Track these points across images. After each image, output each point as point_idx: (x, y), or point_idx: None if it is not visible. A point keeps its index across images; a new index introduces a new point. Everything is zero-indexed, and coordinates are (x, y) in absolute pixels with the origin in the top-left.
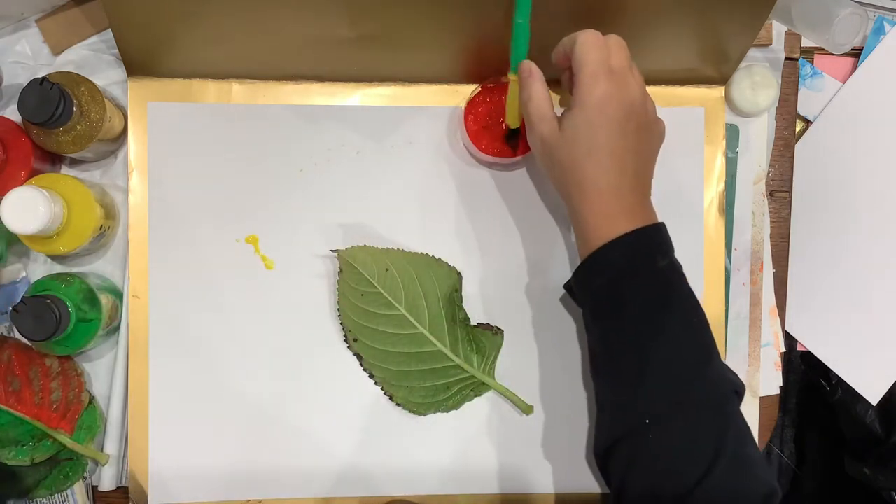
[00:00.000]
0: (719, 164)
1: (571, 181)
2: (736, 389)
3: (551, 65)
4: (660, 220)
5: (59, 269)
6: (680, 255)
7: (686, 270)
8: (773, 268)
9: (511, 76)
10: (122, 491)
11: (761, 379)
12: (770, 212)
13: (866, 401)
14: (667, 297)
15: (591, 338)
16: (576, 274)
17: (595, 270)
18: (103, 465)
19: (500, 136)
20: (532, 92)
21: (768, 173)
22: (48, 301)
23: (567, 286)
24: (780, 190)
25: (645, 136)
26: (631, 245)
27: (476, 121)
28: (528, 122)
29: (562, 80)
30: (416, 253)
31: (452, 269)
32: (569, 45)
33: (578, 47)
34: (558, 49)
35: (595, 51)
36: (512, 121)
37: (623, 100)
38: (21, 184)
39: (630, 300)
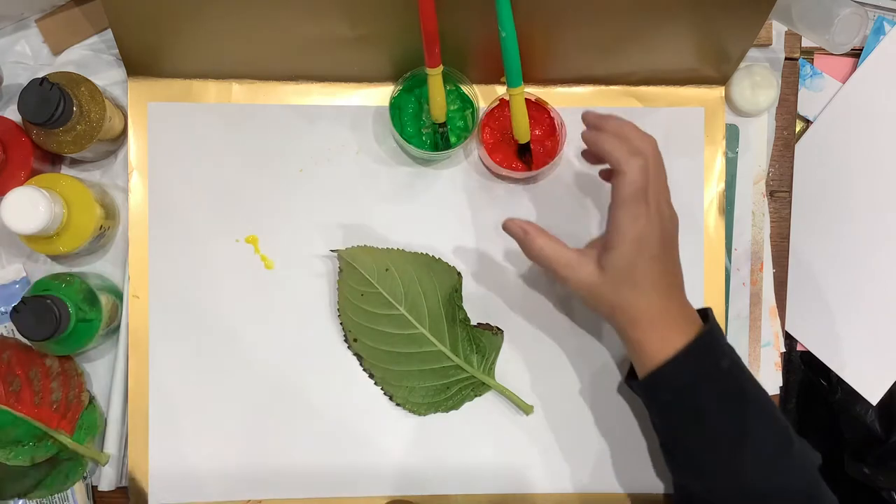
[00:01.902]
0: (719, 164)
1: (621, 316)
2: (819, 464)
3: (554, 65)
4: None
5: (59, 269)
6: (680, 254)
7: (686, 270)
8: (773, 268)
9: (512, 91)
10: (122, 491)
11: (761, 379)
12: (770, 212)
13: (866, 401)
14: (740, 396)
15: (662, 436)
16: (640, 388)
17: (661, 388)
18: (103, 465)
19: (515, 151)
20: (539, 249)
21: (768, 173)
22: (48, 301)
23: (628, 379)
24: (780, 190)
25: (676, 246)
26: (692, 358)
27: (492, 134)
28: (556, 276)
29: (585, 154)
30: (416, 253)
31: (452, 269)
32: (602, 150)
33: (620, 177)
34: (590, 139)
35: (637, 180)
36: (519, 136)
37: (661, 232)
38: (21, 184)
39: (704, 409)
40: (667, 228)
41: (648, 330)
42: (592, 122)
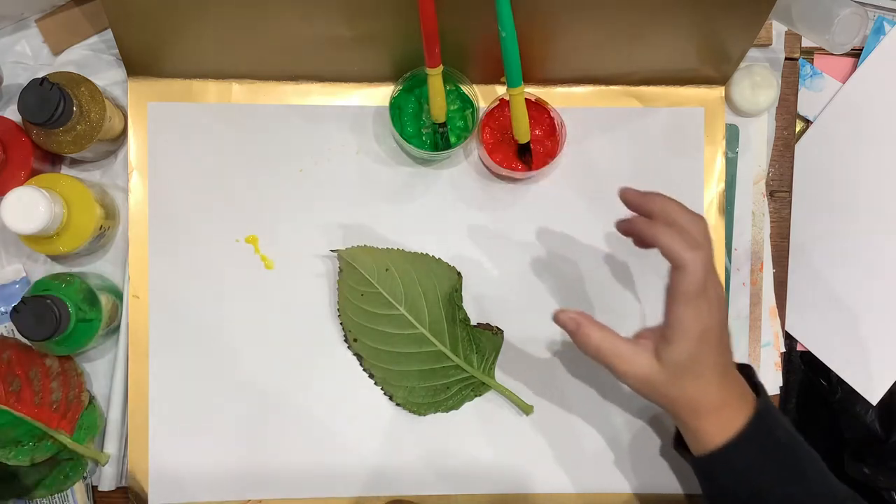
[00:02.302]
0: (719, 164)
1: (680, 408)
2: None
3: (554, 65)
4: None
5: (59, 269)
6: None
7: None
8: (773, 268)
9: (511, 91)
10: (122, 491)
11: (761, 379)
12: (770, 212)
13: (866, 401)
14: (796, 467)
15: None
16: (695, 464)
17: (719, 469)
18: (103, 465)
19: (515, 151)
20: (596, 344)
21: (768, 173)
22: (48, 301)
23: (677, 445)
24: (780, 190)
25: (728, 326)
26: (752, 440)
27: (492, 134)
28: (611, 370)
29: (623, 229)
30: (416, 253)
31: (452, 269)
32: (658, 243)
33: (681, 273)
34: (642, 231)
35: (701, 277)
36: (520, 136)
37: (719, 323)
38: (21, 184)
39: (764, 489)
40: (723, 313)
41: (709, 417)
42: (636, 204)
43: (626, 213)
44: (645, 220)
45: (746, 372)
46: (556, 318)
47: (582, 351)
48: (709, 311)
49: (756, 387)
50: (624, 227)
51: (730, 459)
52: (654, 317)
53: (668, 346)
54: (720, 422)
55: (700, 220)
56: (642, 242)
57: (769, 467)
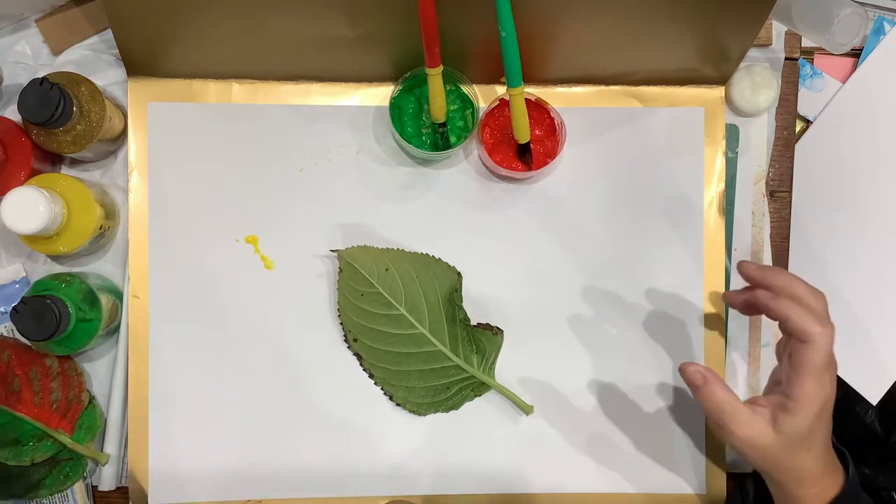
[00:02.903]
0: (719, 164)
1: (790, 477)
2: None
3: (554, 65)
4: (660, 227)
5: (59, 269)
6: (680, 255)
7: (686, 270)
8: None
9: (511, 91)
10: (122, 491)
11: (761, 379)
12: (770, 212)
13: (866, 401)
14: None
15: None
16: None
17: None
18: (103, 465)
19: (515, 151)
20: (719, 401)
21: (768, 173)
22: (48, 301)
23: None
24: (780, 190)
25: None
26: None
27: (492, 134)
28: (723, 427)
29: (734, 302)
30: (416, 253)
31: (452, 269)
32: (785, 317)
33: (809, 347)
34: (767, 305)
35: (829, 352)
36: (520, 136)
37: (835, 396)
38: (21, 184)
39: None
40: (836, 388)
41: (811, 487)
42: (757, 278)
43: (626, 215)
44: (769, 294)
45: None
46: (684, 371)
47: (702, 405)
48: (830, 386)
49: (842, 454)
50: (740, 301)
51: None
52: (655, 316)
53: (788, 417)
54: (818, 490)
55: (821, 296)
56: (753, 310)
57: None
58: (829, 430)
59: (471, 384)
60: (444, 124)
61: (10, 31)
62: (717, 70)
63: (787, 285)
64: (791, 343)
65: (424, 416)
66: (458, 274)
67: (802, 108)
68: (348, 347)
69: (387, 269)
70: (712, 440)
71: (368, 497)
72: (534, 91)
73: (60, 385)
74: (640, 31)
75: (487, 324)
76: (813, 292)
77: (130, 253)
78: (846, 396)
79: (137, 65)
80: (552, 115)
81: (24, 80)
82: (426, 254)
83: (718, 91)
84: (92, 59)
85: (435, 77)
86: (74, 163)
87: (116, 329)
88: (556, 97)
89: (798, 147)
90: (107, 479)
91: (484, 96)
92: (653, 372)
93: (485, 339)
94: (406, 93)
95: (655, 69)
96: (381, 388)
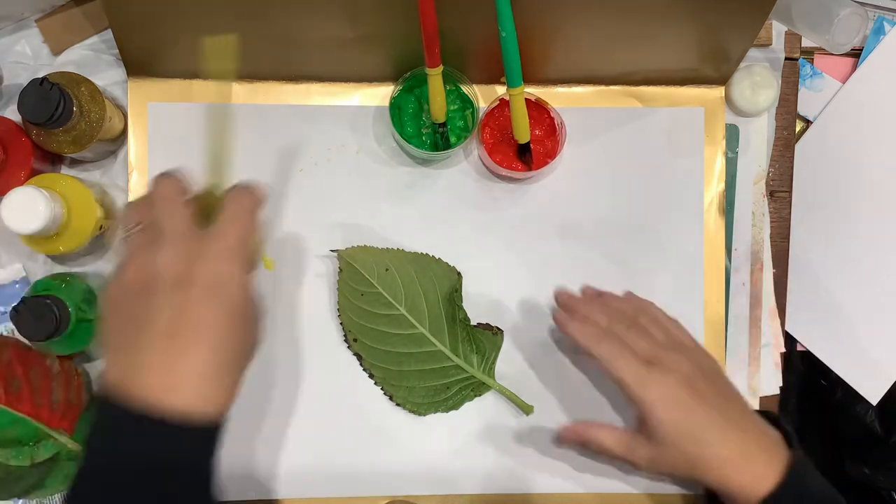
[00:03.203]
0: (719, 164)
1: (698, 470)
2: None
3: (554, 65)
4: (660, 227)
5: (59, 269)
6: (680, 255)
7: (686, 270)
8: (773, 268)
9: (511, 91)
10: None
11: (761, 379)
12: (770, 212)
13: (866, 401)
14: None
15: None
16: None
17: None
18: None
19: (515, 151)
20: (601, 441)
21: (768, 173)
22: (48, 301)
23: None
24: (780, 190)
25: (720, 379)
26: (788, 491)
27: (492, 134)
28: (624, 461)
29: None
30: (416, 253)
31: (452, 269)
32: (588, 347)
33: (604, 363)
34: (583, 344)
35: (621, 361)
36: (520, 136)
37: (679, 379)
38: (21, 184)
39: None
40: (691, 376)
41: (733, 472)
42: (566, 306)
43: (625, 215)
44: (590, 341)
45: (778, 423)
46: (562, 438)
47: (598, 453)
48: (663, 380)
49: (787, 436)
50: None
51: None
52: None
53: (643, 424)
54: (751, 478)
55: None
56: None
57: None
58: (719, 415)
59: (471, 384)
60: (444, 124)
61: (10, 31)
62: (717, 70)
63: (604, 311)
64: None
65: (424, 416)
66: (458, 274)
67: (802, 108)
68: (348, 347)
69: (387, 269)
70: None
71: (368, 497)
72: (534, 91)
73: (60, 385)
74: (640, 31)
75: (487, 324)
76: (640, 304)
77: None
78: (846, 396)
79: (137, 65)
80: (552, 115)
81: (24, 80)
82: (426, 254)
83: (718, 91)
84: (92, 59)
85: (435, 77)
86: (74, 163)
87: None
88: (556, 97)
89: (798, 147)
90: None
91: (484, 96)
92: None
93: (485, 339)
94: (406, 93)
95: (655, 69)
96: (381, 388)
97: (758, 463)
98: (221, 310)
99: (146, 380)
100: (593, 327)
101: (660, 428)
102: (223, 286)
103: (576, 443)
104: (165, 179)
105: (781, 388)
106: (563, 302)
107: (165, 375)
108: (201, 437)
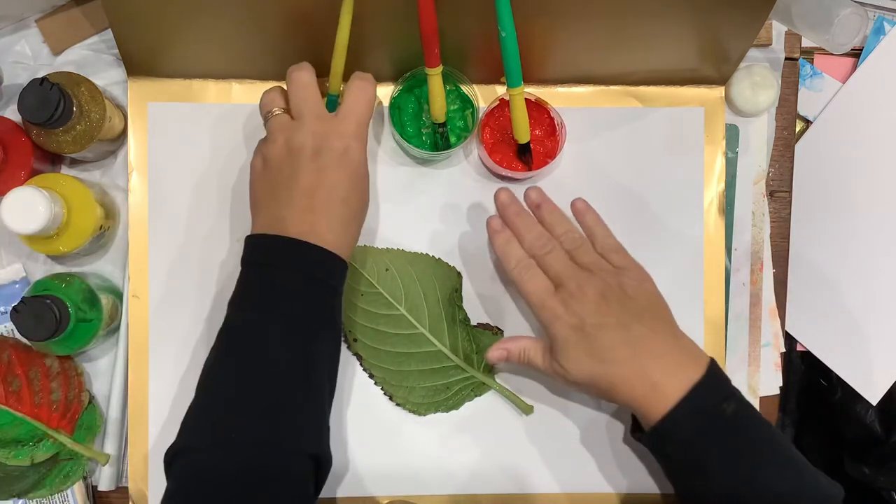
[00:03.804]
0: (719, 164)
1: (598, 389)
2: (841, 497)
3: (554, 65)
4: (660, 227)
5: (59, 269)
6: (680, 255)
7: (686, 270)
8: (773, 268)
9: (511, 91)
10: (122, 491)
11: (761, 379)
12: (770, 212)
13: (866, 401)
14: (746, 446)
15: (678, 490)
16: (646, 442)
17: (665, 442)
18: (103, 465)
19: (514, 151)
20: (518, 353)
21: (768, 173)
22: (48, 301)
23: (633, 432)
24: (780, 190)
25: (632, 303)
26: (690, 409)
27: (492, 134)
28: (533, 367)
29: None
30: (416, 253)
31: (452, 269)
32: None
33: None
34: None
35: (529, 284)
36: (519, 136)
37: (585, 306)
38: (21, 184)
39: (709, 462)
40: (617, 297)
41: (631, 391)
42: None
43: (626, 215)
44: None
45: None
46: (489, 358)
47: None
48: (565, 305)
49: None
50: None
51: (668, 434)
52: None
53: (546, 335)
54: (654, 395)
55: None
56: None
57: (712, 442)
58: (622, 337)
59: (471, 384)
60: (444, 124)
61: (10, 31)
62: (717, 70)
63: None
64: None
65: (424, 416)
66: (458, 274)
67: (802, 108)
68: (348, 347)
69: (387, 269)
70: None
71: (368, 497)
72: (534, 91)
73: (60, 385)
74: (641, 31)
75: (487, 324)
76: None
77: (130, 253)
78: (846, 396)
79: (137, 65)
80: (552, 115)
81: (24, 80)
82: (426, 254)
83: (718, 91)
84: (92, 59)
85: (435, 77)
86: (74, 163)
87: (116, 329)
88: (556, 97)
89: (798, 147)
90: (107, 479)
91: (484, 96)
92: None
93: (485, 339)
94: (406, 93)
95: (655, 69)
96: (381, 388)
97: (668, 376)
98: (348, 173)
99: (294, 224)
100: (516, 247)
101: (559, 351)
102: (349, 156)
103: (502, 359)
104: (300, 71)
105: (781, 388)
106: (502, 204)
107: (309, 220)
108: (339, 268)
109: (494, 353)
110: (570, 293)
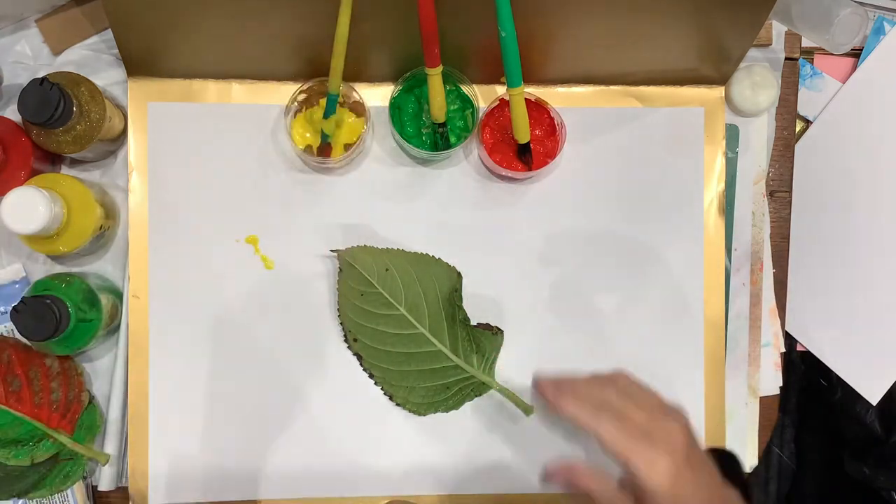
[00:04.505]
0: (719, 164)
1: None
2: None
3: (554, 65)
4: (660, 227)
5: (59, 269)
6: (680, 255)
7: (686, 270)
8: (773, 268)
9: (511, 91)
10: (122, 491)
11: (761, 379)
12: (770, 212)
13: (866, 401)
14: None
15: None
16: None
17: None
18: (103, 465)
19: (514, 151)
20: (589, 491)
21: (768, 173)
22: (48, 301)
23: None
24: (780, 190)
25: (698, 442)
26: None
27: (492, 134)
28: None
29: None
30: (416, 253)
31: (452, 269)
32: (584, 421)
33: (598, 436)
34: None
35: (617, 433)
36: (519, 136)
37: (676, 458)
38: (21, 184)
39: None
40: (695, 441)
41: None
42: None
43: (626, 215)
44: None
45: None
46: (549, 479)
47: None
48: (664, 454)
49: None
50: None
51: None
52: (655, 316)
53: (637, 490)
54: None
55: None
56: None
57: None
58: (697, 488)
59: (471, 384)
60: (444, 124)
61: (10, 31)
62: (717, 70)
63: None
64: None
65: (424, 416)
66: (458, 274)
67: (802, 108)
68: (348, 347)
69: (387, 269)
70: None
71: (368, 497)
72: (534, 91)
73: (60, 385)
74: (640, 31)
75: (487, 324)
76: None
77: (130, 253)
78: (846, 396)
79: (137, 65)
80: (552, 115)
81: (24, 80)
82: (426, 254)
83: (718, 91)
84: (92, 59)
85: (435, 77)
86: (74, 163)
87: (116, 329)
88: (556, 97)
89: (798, 147)
90: (107, 479)
91: (484, 96)
92: (652, 372)
93: (485, 339)
94: (406, 93)
95: (655, 69)
96: (381, 388)
97: None
98: None
99: None
100: (588, 402)
101: (655, 500)
102: None
103: (562, 486)
104: None
105: (781, 388)
106: (545, 380)
107: None
108: None
109: (556, 477)
110: (665, 441)
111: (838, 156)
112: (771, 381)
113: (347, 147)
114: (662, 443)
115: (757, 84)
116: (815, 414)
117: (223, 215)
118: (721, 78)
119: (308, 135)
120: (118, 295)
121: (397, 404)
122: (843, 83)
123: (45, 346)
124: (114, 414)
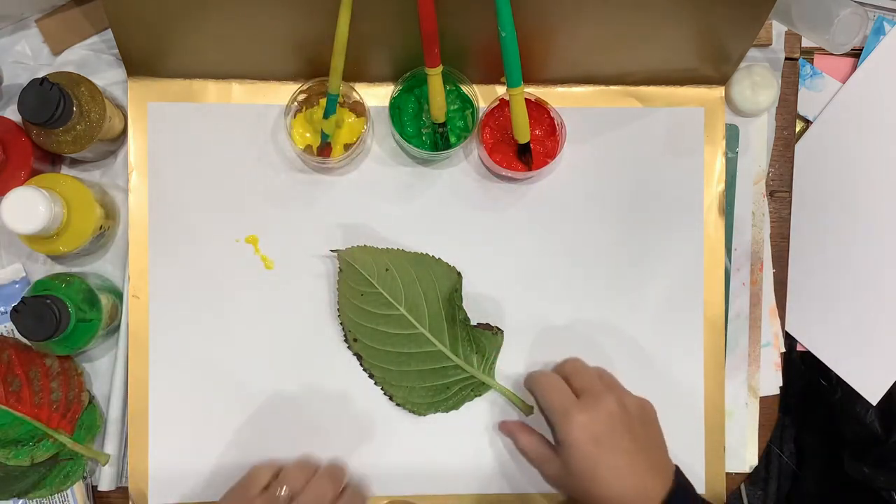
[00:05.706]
0: (719, 164)
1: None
2: None
3: (554, 65)
4: (660, 227)
5: (59, 269)
6: (680, 255)
7: (686, 270)
8: (773, 268)
9: (511, 91)
10: (122, 491)
11: (761, 379)
12: (770, 212)
13: (866, 401)
14: None
15: None
16: None
17: None
18: (103, 465)
19: (514, 151)
20: (522, 445)
21: (768, 173)
22: (48, 301)
23: None
24: (780, 190)
25: (638, 426)
26: None
27: (492, 134)
28: (535, 467)
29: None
30: (416, 253)
31: (452, 269)
32: (530, 387)
33: (538, 396)
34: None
35: (554, 393)
36: (519, 136)
37: (602, 419)
38: (21, 184)
39: None
40: (613, 413)
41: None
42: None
43: (626, 215)
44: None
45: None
46: (500, 429)
47: (520, 453)
48: (581, 421)
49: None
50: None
51: None
52: (655, 316)
53: (560, 451)
54: None
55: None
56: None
57: None
58: (619, 458)
59: (471, 384)
60: (444, 124)
61: (10, 31)
62: (717, 70)
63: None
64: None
65: (424, 416)
66: (458, 274)
67: (802, 108)
68: (348, 347)
69: (387, 269)
70: (711, 441)
71: (368, 497)
72: (534, 91)
73: (60, 385)
74: (640, 31)
75: (487, 324)
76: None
77: (130, 253)
78: (846, 396)
79: (137, 65)
80: (552, 115)
81: (24, 80)
82: (426, 254)
83: (718, 91)
84: (92, 59)
85: (435, 77)
86: (74, 163)
87: (116, 329)
88: (556, 97)
89: (798, 147)
90: (107, 479)
91: (484, 96)
92: (652, 372)
93: (485, 339)
94: (406, 93)
95: (655, 69)
96: (381, 388)
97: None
98: None
99: None
100: (544, 376)
101: (571, 458)
102: None
103: (508, 437)
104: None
105: (781, 388)
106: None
107: None
108: None
109: (503, 428)
110: (595, 403)
111: (838, 156)
112: (771, 381)
113: (347, 147)
114: (588, 406)
115: (757, 84)
116: (815, 414)
117: (223, 215)
118: (721, 78)
119: (308, 135)
120: (118, 295)
121: (397, 404)
122: (843, 83)
123: (45, 346)
124: (114, 414)
